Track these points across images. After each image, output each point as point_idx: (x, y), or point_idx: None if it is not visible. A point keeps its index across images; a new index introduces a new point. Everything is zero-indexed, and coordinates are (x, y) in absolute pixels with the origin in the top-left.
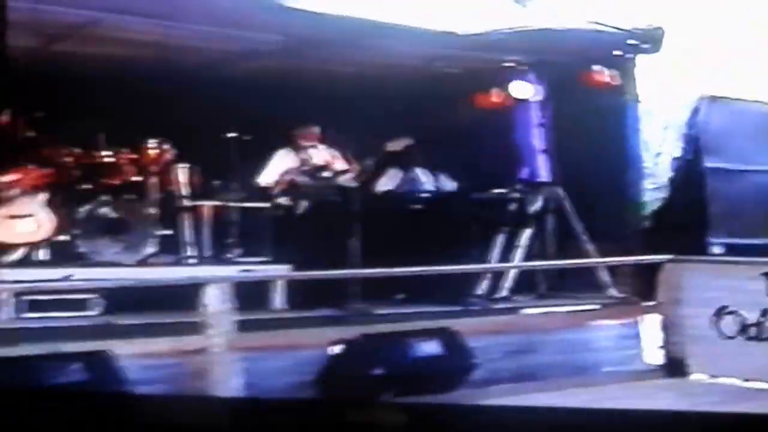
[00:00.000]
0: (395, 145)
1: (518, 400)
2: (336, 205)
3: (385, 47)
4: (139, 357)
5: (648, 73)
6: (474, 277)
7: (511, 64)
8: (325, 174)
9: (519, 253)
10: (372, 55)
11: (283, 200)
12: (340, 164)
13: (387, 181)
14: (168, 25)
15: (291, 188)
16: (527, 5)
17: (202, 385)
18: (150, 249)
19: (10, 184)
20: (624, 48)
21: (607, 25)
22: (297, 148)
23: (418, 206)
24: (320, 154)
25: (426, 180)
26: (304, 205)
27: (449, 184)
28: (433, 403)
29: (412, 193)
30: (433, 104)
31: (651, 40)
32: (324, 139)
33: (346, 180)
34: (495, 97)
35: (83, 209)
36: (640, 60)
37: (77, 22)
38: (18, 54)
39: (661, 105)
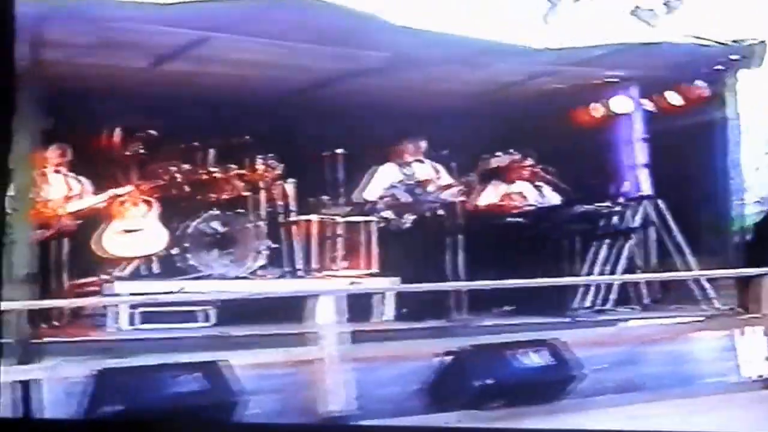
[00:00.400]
0: (499, 161)
1: (621, 410)
2: (441, 218)
3: (487, 64)
4: (250, 368)
5: (749, 87)
6: (578, 289)
7: (613, 79)
8: (430, 188)
9: (622, 266)
10: (475, 72)
11: (388, 214)
12: (444, 178)
13: (490, 195)
14: (274, 43)
15: (396, 202)
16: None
17: (313, 396)
18: (258, 262)
19: (124, 200)
20: (725, 62)
21: (707, 40)
22: (402, 163)
23: (522, 219)
24: (425, 169)
25: (529, 194)
26: (408, 218)
27: (552, 198)
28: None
29: (516, 206)
30: (535, 119)
31: (753, 54)
32: (428, 154)
33: (451, 194)
34: (596, 111)
35: (193, 223)
36: (742, 74)
37: (186, 42)
38: (130, 74)
39: (763, 119)
